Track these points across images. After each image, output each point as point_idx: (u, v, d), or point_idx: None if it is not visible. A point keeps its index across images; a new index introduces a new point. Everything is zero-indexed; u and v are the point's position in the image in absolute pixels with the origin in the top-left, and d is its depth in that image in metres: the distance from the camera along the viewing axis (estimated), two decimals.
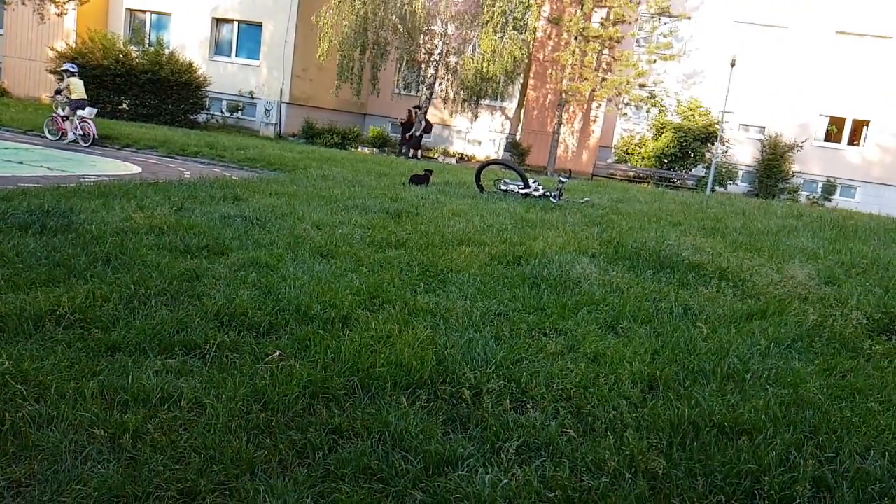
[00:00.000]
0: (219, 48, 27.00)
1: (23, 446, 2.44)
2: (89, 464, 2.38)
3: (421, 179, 11.67)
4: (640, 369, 3.54)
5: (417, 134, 24.66)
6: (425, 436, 2.70)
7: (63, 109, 14.88)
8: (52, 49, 23.24)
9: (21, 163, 10.60)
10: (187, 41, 26.22)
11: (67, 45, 23.35)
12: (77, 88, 15.27)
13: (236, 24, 26.55)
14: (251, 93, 26.12)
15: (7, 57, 27.42)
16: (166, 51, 23.67)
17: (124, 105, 22.75)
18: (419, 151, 24.83)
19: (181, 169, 12.22)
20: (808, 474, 2.57)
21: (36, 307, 3.62)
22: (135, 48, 23.88)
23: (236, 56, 26.71)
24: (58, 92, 15.38)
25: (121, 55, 22.56)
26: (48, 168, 10.30)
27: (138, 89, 22.51)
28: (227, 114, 26.37)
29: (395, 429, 2.72)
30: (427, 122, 24.96)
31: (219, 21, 26.70)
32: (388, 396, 3.03)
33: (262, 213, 6.86)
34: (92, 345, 3.32)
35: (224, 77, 26.03)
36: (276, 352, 3.42)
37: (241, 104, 26.38)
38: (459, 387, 3.15)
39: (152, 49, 23.68)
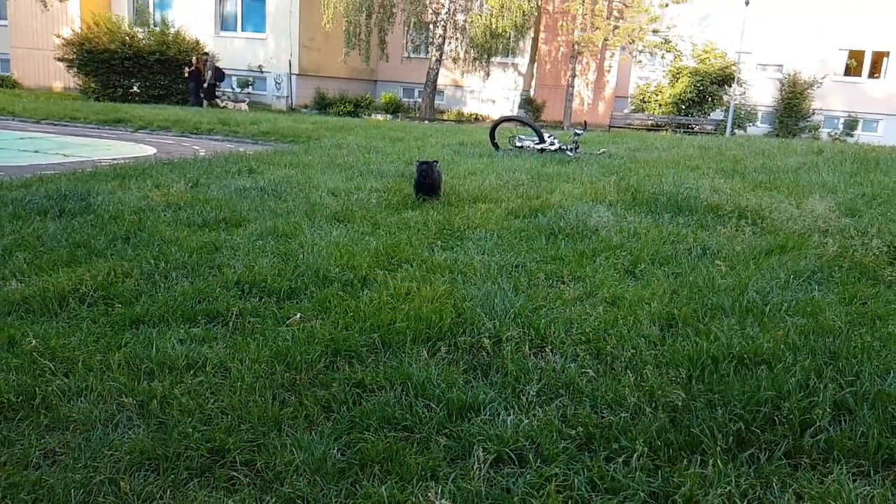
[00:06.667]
0: (224, 23, 26.84)
1: (54, 418, 2.51)
2: (120, 430, 2.44)
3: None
4: (658, 309, 3.54)
5: (211, 83, 23.59)
6: (447, 384, 2.74)
7: None
8: (59, 37, 23.25)
9: (37, 151, 10.72)
10: (192, 19, 26.04)
11: (73, 31, 23.35)
12: None
13: None
14: (260, 67, 26.02)
15: (14, 48, 27.55)
16: (172, 30, 23.58)
17: (135, 88, 22.81)
18: (208, 101, 23.58)
19: (196, 147, 12.28)
20: (828, 398, 2.57)
21: (59, 287, 3.69)
22: (140, 30, 23.80)
23: (242, 30, 26.54)
24: None
25: (127, 38, 22.53)
26: (64, 155, 10.40)
27: (147, 71, 22.55)
28: (238, 90, 26.30)
29: (416, 380, 2.76)
30: (218, 69, 23.70)
31: None
32: (409, 350, 3.07)
33: (277, 185, 6.89)
34: (116, 319, 3.39)
35: (232, 52, 25.87)
36: (296, 314, 3.47)
37: (251, 79, 26.29)
38: (479, 337, 3.18)
39: (158, 29, 23.61)
